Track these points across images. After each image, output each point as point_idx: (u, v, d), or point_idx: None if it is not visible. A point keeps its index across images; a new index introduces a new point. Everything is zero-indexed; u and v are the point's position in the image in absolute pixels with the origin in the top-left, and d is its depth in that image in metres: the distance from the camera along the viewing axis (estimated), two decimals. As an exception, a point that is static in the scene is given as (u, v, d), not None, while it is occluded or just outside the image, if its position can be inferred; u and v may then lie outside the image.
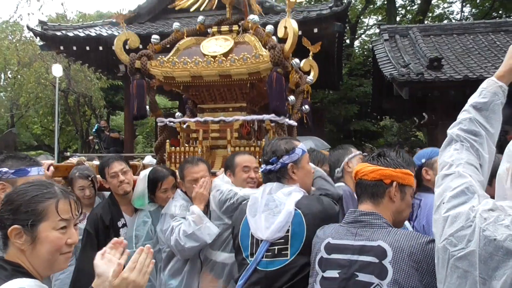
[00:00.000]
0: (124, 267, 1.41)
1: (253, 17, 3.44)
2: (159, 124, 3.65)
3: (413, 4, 24.68)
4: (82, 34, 11.92)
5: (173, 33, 3.64)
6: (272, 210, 2.05)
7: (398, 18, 22.39)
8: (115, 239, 1.54)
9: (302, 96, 3.79)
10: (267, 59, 3.11)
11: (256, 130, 3.65)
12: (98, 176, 3.23)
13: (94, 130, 15.28)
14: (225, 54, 3.26)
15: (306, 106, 3.73)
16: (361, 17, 24.67)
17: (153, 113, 3.64)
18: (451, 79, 10.07)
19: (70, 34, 11.97)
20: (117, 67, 13.18)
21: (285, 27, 3.09)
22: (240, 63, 3.16)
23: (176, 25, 3.65)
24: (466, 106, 1.58)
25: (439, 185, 1.48)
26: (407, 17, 24.05)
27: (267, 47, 3.21)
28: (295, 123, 3.58)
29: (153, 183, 2.95)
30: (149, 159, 3.86)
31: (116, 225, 2.96)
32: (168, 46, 3.65)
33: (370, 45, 16.13)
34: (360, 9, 23.75)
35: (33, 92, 19.66)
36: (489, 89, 1.57)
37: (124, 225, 3.00)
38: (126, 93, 14.46)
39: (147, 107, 3.53)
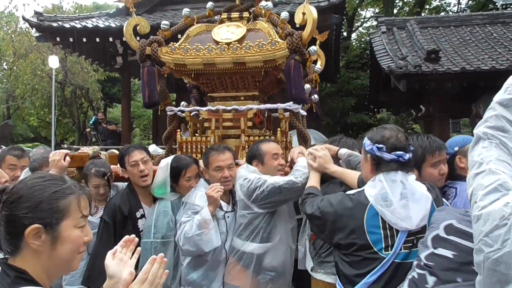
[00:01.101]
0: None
1: (266, 4, 3.37)
2: (168, 113, 3.56)
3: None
4: (78, 26, 11.84)
5: (182, 19, 3.56)
6: (408, 198, 1.94)
7: (395, 10, 22.32)
8: (126, 237, 1.47)
9: (310, 85, 3.72)
10: (283, 46, 3.05)
11: (267, 120, 3.60)
12: (115, 166, 3.13)
13: (91, 122, 15.24)
14: (239, 41, 3.18)
15: (315, 96, 3.67)
16: (358, 10, 24.59)
17: (162, 102, 3.54)
18: (448, 71, 10.08)
19: (67, 25, 11.89)
20: (114, 59, 13.13)
21: (303, 13, 3.04)
22: (255, 50, 3.09)
23: (186, 11, 3.57)
24: (492, 104, 1.50)
25: (470, 185, 1.42)
26: (404, 9, 23.99)
27: (283, 34, 3.14)
28: (304, 113, 3.53)
29: (176, 171, 2.88)
30: (153, 148, 3.81)
31: (134, 215, 2.90)
32: (177, 33, 3.58)
33: (368, 38, 16.11)
34: (357, 2, 23.65)
35: (29, 83, 19.57)
36: None
37: (143, 215, 2.93)
38: (123, 85, 14.42)
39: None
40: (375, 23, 16.88)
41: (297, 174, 2.64)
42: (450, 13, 22.81)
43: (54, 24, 11.97)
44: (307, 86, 3.33)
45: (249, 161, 2.87)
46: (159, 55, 3.27)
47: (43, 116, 23.38)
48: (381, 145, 2.01)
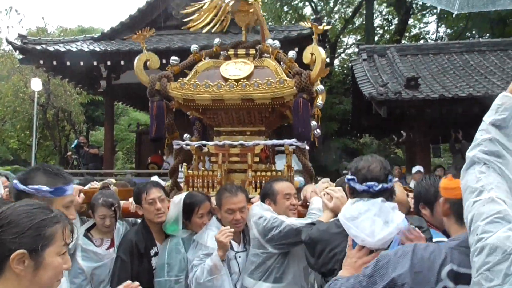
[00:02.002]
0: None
1: (274, 42, 3.44)
2: (174, 147, 3.54)
3: (390, 24, 25.40)
4: (63, 49, 11.84)
5: (191, 55, 3.60)
6: (377, 216, 1.91)
7: (376, 38, 22.94)
8: (128, 282, 1.51)
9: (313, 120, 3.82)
10: (291, 85, 3.10)
11: (272, 154, 3.64)
12: (127, 202, 3.09)
13: (73, 145, 15.05)
14: (247, 78, 3.24)
15: (318, 130, 3.71)
16: (341, 37, 25.17)
17: (169, 135, 3.55)
18: (427, 98, 10.33)
19: (51, 48, 11.87)
20: (98, 82, 13.11)
21: (312, 54, 3.10)
22: (264, 88, 3.13)
23: (194, 47, 3.60)
24: (483, 125, 1.47)
25: (468, 211, 1.37)
26: (384, 36, 24.67)
27: (291, 72, 3.20)
28: (307, 147, 3.56)
29: (190, 207, 2.85)
30: (156, 179, 3.79)
31: (149, 253, 2.85)
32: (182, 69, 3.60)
33: (350, 64, 16.45)
34: (339, 29, 24.26)
35: (10, 105, 19.36)
36: (506, 106, 1.45)
37: (156, 253, 2.88)
38: (106, 109, 14.36)
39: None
40: (356, 49, 17.28)
41: (314, 217, 2.62)
42: (429, 41, 23.55)
43: (38, 47, 11.95)
44: (313, 122, 3.38)
45: (262, 199, 2.87)
46: (168, 90, 3.31)
47: (23, 139, 23.04)
48: (352, 176, 2.05)
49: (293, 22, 21.62)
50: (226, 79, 3.25)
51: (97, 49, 11.81)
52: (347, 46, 26.99)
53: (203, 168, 3.52)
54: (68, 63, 11.82)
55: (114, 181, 3.49)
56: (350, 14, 25.29)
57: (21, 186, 1.90)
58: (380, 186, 2.02)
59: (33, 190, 1.89)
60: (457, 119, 10.52)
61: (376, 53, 13.86)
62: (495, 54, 13.23)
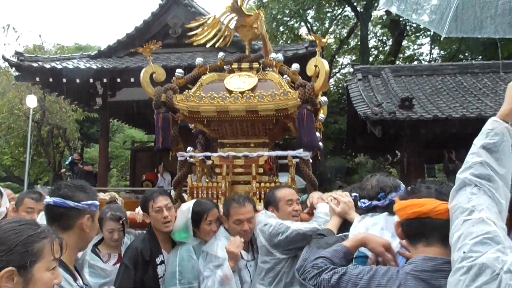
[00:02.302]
0: None
1: (277, 56, 3.53)
2: (179, 158, 3.59)
3: (384, 45, 25.73)
4: (59, 66, 11.87)
5: (196, 68, 3.69)
6: (369, 228, 2.03)
7: (371, 59, 23.20)
8: None
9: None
10: (295, 96, 3.17)
11: (275, 166, 3.68)
12: (133, 212, 3.11)
13: (67, 162, 14.98)
14: (251, 90, 3.30)
15: (320, 143, 3.81)
16: (336, 57, 25.46)
17: (174, 147, 3.58)
18: (421, 118, 10.42)
19: (47, 65, 11.91)
20: (94, 99, 13.13)
21: (315, 66, 3.19)
22: (268, 99, 3.20)
23: (199, 60, 3.68)
24: (475, 149, 1.49)
25: (456, 230, 1.37)
26: (379, 57, 24.96)
27: (295, 84, 3.27)
28: (310, 158, 3.60)
29: (199, 215, 2.85)
30: None
31: (154, 261, 2.82)
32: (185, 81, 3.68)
33: (345, 84, 16.61)
34: (334, 49, 24.54)
35: (5, 122, 19.28)
36: (496, 131, 1.48)
37: (162, 262, 2.86)
38: (101, 126, 14.33)
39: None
40: (351, 70, 17.46)
41: (320, 221, 2.65)
42: (423, 62, 23.85)
43: (34, 64, 11.98)
44: (317, 134, 3.44)
45: (266, 207, 2.93)
46: (173, 102, 3.36)
47: (17, 155, 22.88)
48: (354, 194, 2.18)
49: (289, 42, 21.86)
50: (230, 91, 3.31)
51: (94, 66, 11.86)
52: (342, 66, 27.29)
53: (207, 180, 3.56)
54: (64, 80, 11.85)
55: (116, 194, 3.54)
56: (345, 34, 25.66)
57: (72, 203, 1.89)
58: (369, 203, 2.13)
59: (87, 205, 1.93)
60: (450, 140, 10.59)
61: (371, 73, 14.01)
62: (488, 76, 13.41)
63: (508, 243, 1.27)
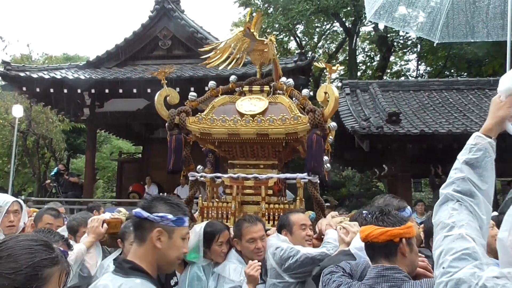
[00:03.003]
0: None
1: (288, 80, 3.65)
2: (190, 178, 3.67)
3: (372, 61, 26.11)
4: (46, 76, 11.79)
5: (208, 91, 3.80)
6: None
7: (359, 73, 23.51)
8: None
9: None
10: (305, 121, 3.25)
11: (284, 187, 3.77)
12: None
13: (53, 173, 14.78)
14: (262, 113, 3.39)
15: (328, 165, 3.85)
16: (324, 71, 25.67)
17: (186, 168, 3.66)
18: (408, 133, 10.53)
19: (34, 75, 11.82)
20: (81, 110, 13.04)
21: (325, 93, 3.29)
22: (278, 123, 3.28)
23: (212, 83, 3.79)
24: (458, 164, 1.53)
25: (437, 246, 1.42)
26: (367, 72, 25.30)
27: (305, 109, 3.37)
28: (318, 180, 3.67)
29: (210, 236, 2.89)
30: None
31: (169, 283, 2.81)
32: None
33: (333, 98, 16.70)
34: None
35: (-10, 132, 19.00)
36: (479, 146, 1.53)
37: (176, 283, 2.86)
38: (88, 137, 14.22)
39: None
40: (340, 84, 17.64)
41: (329, 247, 2.74)
42: (410, 78, 24.20)
43: (22, 74, 11.88)
44: (325, 158, 3.51)
45: (279, 230, 2.98)
46: (186, 124, 3.47)
47: (1, 165, 22.49)
48: (364, 212, 2.26)
49: (278, 56, 22.05)
50: (242, 114, 3.41)
51: (82, 77, 11.80)
52: (331, 81, 27.52)
53: (217, 200, 3.65)
54: (51, 90, 11.77)
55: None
56: (334, 49, 25.99)
57: (145, 214, 1.86)
58: None
59: (158, 218, 1.85)
60: (437, 155, 10.70)
61: (358, 88, 14.16)
62: (473, 93, 13.64)
63: (486, 260, 1.30)
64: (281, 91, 3.69)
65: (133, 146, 21.27)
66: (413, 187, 14.07)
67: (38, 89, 11.85)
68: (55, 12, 67.02)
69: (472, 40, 2.73)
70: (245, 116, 3.38)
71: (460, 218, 1.41)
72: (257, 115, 3.36)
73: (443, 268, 1.33)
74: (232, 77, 3.82)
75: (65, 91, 11.70)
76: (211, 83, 3.81)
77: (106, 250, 3.25)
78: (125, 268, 1.81)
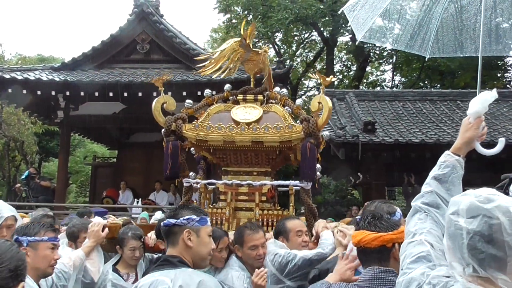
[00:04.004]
0: None
1: (282, 90, 3.77)
2: (184, 184, 3.73)
3: (349, 70, 26.50)
4: (20, 77, 11.51)
5: (204, 99, 3.87)
6: None
7: (335, 82, 23.79)
8: None
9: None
10: (299, 130, 3.36)
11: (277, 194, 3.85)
12: (145, 237, 3.28)
13: (23, 177, 14.36)
14: (257, 122, 3.49)
15: (318, 173, 3.92)
16: (302, 79, 25.95)
17: (181, 173, 3.72)
18: (383, 142, 10.72)
19: (7, 76, 11.52)
20: (55, 112, 12.77)
21: (319, 103, 3.39)
22: (273, 132, 3.39)
23: (207, 91, 3.88)
24: (428, 179, 1.70)
25: (402, 252, 1.55)
26: (344, 81, 25.63)
27: (299, 118, 3.47)
28: (309, 187, 3.75)
29: None
30: (160, 215, 3.93)
31: None
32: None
33: (310, 106, 16.86)
34: (301, 72, 25.02)
35: (-42, 133, 18.34)
36: (447, 163, 1.69)
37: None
38: (62, 140, 13.93)
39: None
40: (317, 92, 17.80)
41: (324, 246, 2.84)
42: (385, 88, 24.67)
43: (-7, 74, 11.57)
44: (318, 166, 3.59)
45: (276, 236, 3.05)
46: (183, 131, 3.53)
47: (-31, 168, 21.77)
48: (358, 217, 2.36)
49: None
50: (237, 122, 3.51)
51: (57, 79, 11.58)
52: (308, 89, 27.79)
53: (211, 206, 3.73)
54: (24, 91, 11.50)
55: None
56: (312, 58, 26.24)
57: (173, 220, 2.08)
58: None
59: (185, 220, 2.06)
60: (410, 164, 10.92)
61: (335, 97, 14.33)
62: (446, 104, 14.00)
63: (439, 262, 1.42)
64: (273, 100, 3.78)
65: (108, 151, 20.92)
66: (387, 195, 14.28)
67: (10, 90, 11.56)
68: (30, 12, 65.65)
69: (461, 55, 2.86)
70: (241, 124, 3.48)
71: (423, 226, 1.56)
72: (252, 123, 3.47)
73: (402, 269, 1.49)
74: (227, 86, 3.91)
75: (39, 93, 11.46)
76: (207, 91, 3.90)
77: (106, 255, 3.29)
78: (174, 262, 1.99)
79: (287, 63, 12.77)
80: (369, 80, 26.85)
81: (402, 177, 11.36)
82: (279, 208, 3.67)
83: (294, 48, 26.10)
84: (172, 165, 3.54)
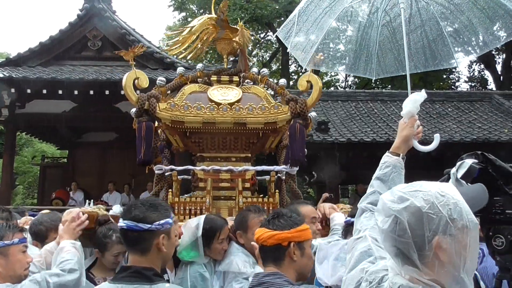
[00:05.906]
0: None
1: (263, 70, 3.57)
2: (156, 172, 3.35)
3: (304, 71, 26.90)
4: (-41, 73, 10.86)
5: (177, 77, 3.56)
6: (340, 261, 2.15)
7: (291, 83, 24.10)
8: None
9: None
10: (285, 110, 3.18)
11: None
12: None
13: (-37, 178, 13.55)
14: (238, 102, 3.25)
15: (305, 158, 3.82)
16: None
17: (154, 159, 3.35)
18: (336, 141, 10.99)
19: None
20: (-1, 110, 12.15)
21: (308, 81, 3.23)
22: (258, 112, 3.16)
23: (180, 69, 3.60)
24: (372, 181, 1.77)
25: (350, 249, 1.57)
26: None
27: (285, 99, 3.28)
28: (295, 172, 3.61)
29: (210, 233, 2.61)
30: (118, 209, 3.40)
31: None
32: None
33: (266, 106, 16.99)
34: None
35: None
36: (387, 163, 1.77)
37: (167, 281, 2.51)
38: (7, 138, 13.23)
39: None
40: (272, 92, 17.94)
41: (340, 232, 2.62)
42: (339, 88, 25.28)
43: None
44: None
45: None
46: (156, 110, 3.17)
47: None
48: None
49: (213, 61, 22.04)
50: (218, 103, 3.24)
51: (0, 75, 11.00)
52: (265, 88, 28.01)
53: (188, 195, 3.40)
54: (-35, 87, 10.86)
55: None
56: (268, 58, 26.45)
57: (145, 226, 1.82)
58: (347, 219, 2.51)
59: (160, 226, 1.84)
60: (362, 162, 11.25)
61: (290, 96, 14.54)
62: (395, 104, 14.51)
63: (379, 254, 1.43)
64: (251, 82, 3.57)
65: (58, 150, 20.11)
66: (340, 193, 14.64)
67: (-51, 86, 10.89)
68: (-29, 4, 61.88)
69: (403, 73, 3.02)
70: (222, 104, 3.22)
71: (368, 223, 1.61)
72: (235, 103, 3.23)
73: (348, 266, 1.51)
74: (199, 65, 3.65)
75: (-19, 89, 10.86)
76: (180, 69, 3.61)
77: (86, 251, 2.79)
78: (149, 276, 1.77)
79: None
80: (324, 80, 27.41)
81: (356, 175, 11.69)
82: (261, 195, 3.42)
83: (250, 48, 26.17)
84: (147, 148, 3.15)
